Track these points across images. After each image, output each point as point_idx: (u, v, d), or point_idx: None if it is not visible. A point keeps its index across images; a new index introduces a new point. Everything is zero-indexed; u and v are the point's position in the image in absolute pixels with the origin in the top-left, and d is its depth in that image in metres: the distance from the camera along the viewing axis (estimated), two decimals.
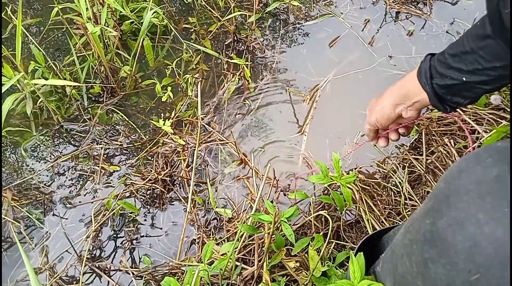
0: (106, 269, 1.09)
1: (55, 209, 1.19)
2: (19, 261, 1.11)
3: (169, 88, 1.34)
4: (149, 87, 1.41)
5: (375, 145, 0.96)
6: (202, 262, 0.85)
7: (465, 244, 0.46)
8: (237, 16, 1.48)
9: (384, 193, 1.12)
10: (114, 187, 1.22)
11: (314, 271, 0.87)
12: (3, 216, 1.17)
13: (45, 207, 1.20)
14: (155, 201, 1.19)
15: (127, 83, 1.40)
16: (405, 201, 1.09)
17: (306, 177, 1.19)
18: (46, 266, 1.10)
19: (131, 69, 1.37)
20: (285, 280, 0.92)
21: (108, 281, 1.07)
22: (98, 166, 1.25)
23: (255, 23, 1.51)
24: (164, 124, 1.22)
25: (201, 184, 1.21)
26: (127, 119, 1.35)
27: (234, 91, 1.38)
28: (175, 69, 1.39)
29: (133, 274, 1.06)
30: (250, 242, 1.00)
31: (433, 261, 0.50)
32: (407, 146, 1.21)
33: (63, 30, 1.52)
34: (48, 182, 1.24)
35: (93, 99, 1.39)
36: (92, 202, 1.19)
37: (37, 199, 1.21)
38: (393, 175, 1.15)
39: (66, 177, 1.25)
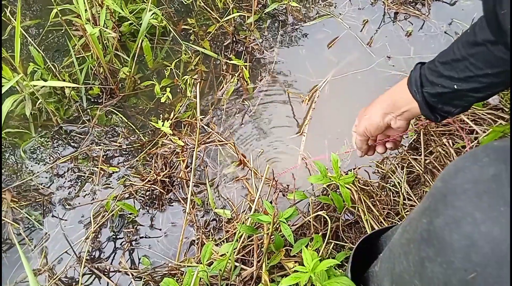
0: (106, 270, 1.09)
1: (54, 211, 1.20)
2: (18, 262, 1.11)
3: (168, 89, 1.34)
4: (148, 88, 1.41)
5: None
6: (201, 263, 0.85)
7: (462, 243, 0.46)
8: (236, 17, 1.48)
9: (383, 193, 1.13)
10: (113, 188, 1.22)
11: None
12: (2, 217, 1.17)
13: (44, 208, 1.20)
14: (154, 202, 1.19)
15: (126, 84, 1.40)
16: (404, 201, 1.09)
17: (293, 172, 1.19)
18: (45, 267, 1.10)
19: (130, 70, 1.37)
20: None
21: (108, 282, 1.07)
22: (97, 167, 1.25)
23: (254, 24, 1.51)
24: (163, 125, 1.22)
25: (200, 185, 1.21)
26: (126, 120, 1.35)
27: (233, 92, 1.38)
28: (174, 70, 1.39)
29: (132, 275, 1.06)
30: (249, 243, 1.00)
31: (430, 260, 0.50)
32: (405, 146, 1.22)
33: (62, 31, 1.53)
34: (47, 183, 1.25)
35: (92, 100, 1.39)
36: (91, 203, 1.19)
37: (37, 200, 1.21)
38: (392, 175, 1.15)
39: (65, 179, 1.25)
